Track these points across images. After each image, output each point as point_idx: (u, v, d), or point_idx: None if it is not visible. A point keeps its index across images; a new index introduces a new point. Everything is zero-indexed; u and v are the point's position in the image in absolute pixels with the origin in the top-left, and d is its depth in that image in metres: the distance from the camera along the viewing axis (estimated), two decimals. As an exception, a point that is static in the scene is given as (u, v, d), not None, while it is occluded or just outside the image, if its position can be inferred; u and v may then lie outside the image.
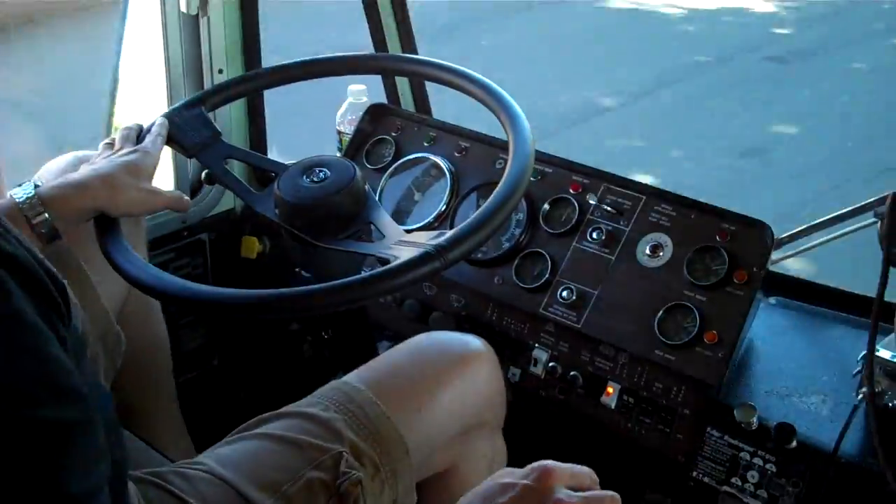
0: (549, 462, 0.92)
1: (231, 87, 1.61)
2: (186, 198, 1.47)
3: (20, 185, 1.29)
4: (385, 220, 1.33)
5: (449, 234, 1.14)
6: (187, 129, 1.48)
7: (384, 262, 1.16)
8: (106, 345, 1.37)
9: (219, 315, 1.25)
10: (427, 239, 1.16)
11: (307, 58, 1.55)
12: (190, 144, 1.47)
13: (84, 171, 1.33)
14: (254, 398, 1.42)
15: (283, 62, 1.57)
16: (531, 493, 0.90)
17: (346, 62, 1.58)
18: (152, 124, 1.45)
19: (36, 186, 1.28)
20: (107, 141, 1.43)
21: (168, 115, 1.48)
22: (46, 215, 1.26)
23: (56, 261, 1.11)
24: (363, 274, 1.13)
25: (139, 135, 1.43)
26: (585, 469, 0.96)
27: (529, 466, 0.92)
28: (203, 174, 1.71)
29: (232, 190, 1.47)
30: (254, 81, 1.64)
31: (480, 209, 1.16)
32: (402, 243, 1.23)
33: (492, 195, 1.17)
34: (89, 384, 1.02)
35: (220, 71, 1.93)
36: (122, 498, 1.11)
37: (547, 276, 1.56)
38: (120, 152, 1.37)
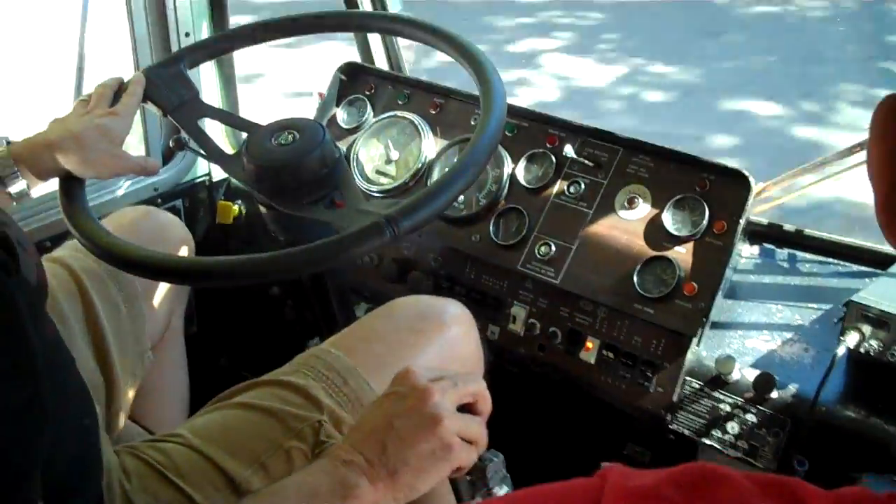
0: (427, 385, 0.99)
1: (212, 43, 1.58)
2: (154, 161, 1.44)
3: None
4: (349, 186, 1.30)
5: (402, 203, 1.11)
6: (165, 87, 1.45)
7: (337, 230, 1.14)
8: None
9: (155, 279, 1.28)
10: (383, 208, 1.14)
11: (291, 14, 1.51)
12: (167, 103, 1.44)
13: (56, 129, 1.30)
14: (234, 365, 1.41)
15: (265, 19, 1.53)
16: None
17: (324, 20, 1.54)
18: (129, 81, 1.42)
19: (7, 143, 1.26)
20: (82, 98, 1.39)
21: (146, 72, 1.45)
22: (19, 174, 1.24)
23: None
24: (307, 245, 1.09)
25: (116, 92, 1.40)
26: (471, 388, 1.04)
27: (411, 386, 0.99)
28: (171, 140, 1.67)
29: (204, 151, 1.44)
30: (236, 38, 1.56)
31: (438, 178, 1.13)
32: (358, 212, 1.21)
33: (454, 162, 1.15)
34: (48, 340, 1.01)
35: (188, 34, 1.89)
36: (96, 463, 1.09)
37: (524, 232, 1.54)
38: (94, 112, 1.34)
